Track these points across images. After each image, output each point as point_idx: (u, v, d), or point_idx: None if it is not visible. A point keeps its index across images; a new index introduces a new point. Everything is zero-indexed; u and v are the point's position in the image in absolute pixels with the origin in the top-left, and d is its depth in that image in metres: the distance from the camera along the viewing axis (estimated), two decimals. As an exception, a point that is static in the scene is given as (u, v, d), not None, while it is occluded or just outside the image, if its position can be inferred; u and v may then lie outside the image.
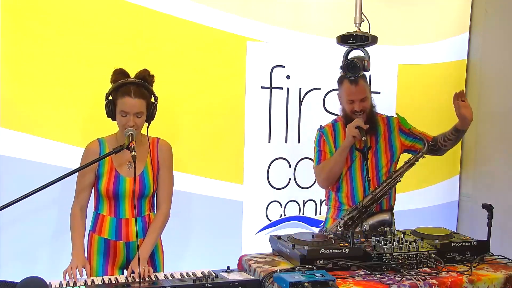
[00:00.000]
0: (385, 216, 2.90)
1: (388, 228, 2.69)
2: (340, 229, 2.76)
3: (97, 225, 2.53)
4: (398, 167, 2.99)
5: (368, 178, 2.92)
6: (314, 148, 3.07)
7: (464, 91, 2.84)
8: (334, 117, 3.84)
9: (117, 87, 2.42)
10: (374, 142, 2.98)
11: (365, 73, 2.79)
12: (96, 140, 2.53)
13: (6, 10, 2.98)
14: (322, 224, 2.99)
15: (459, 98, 2.87)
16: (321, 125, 3.13)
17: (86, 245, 2.54)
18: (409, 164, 2.93)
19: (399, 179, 2.95)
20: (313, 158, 3.09)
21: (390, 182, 2.91)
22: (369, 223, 2.81)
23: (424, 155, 2.94)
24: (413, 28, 4.20)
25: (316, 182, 3.12)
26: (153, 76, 2.51)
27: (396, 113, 2.98)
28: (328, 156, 2.99)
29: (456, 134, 2.98)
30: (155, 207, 2.63)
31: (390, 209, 2.99)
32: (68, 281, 2.21)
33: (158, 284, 2.12)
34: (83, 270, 2.36)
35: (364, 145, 2.88)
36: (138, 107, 2.41)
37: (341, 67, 2.74)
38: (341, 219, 2.86)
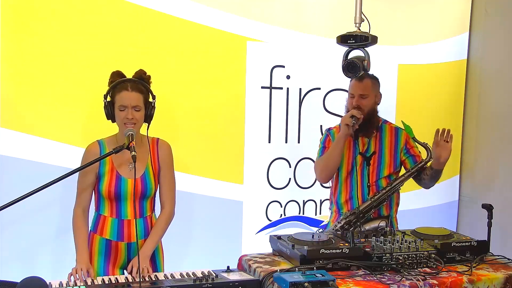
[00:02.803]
0: (381, 223, 2.88)
1: (388, 228, 2.69)
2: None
3: (99, 226, 2.53)
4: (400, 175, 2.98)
5: (368, 184, 2.92)
6: (319, 146, 3.07)
7: (450, 132, 2.75)
8: (334, 117, 3.86)
9: (114, 85, 2.45)
10: (378, 148, 2.96)
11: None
12: (96, 142, 2.54)
13: (6, 10, 2.98)
14: (322, 225, 2.98)
15: (443, 136, 2.74)
16: (330, 127, 3.11)
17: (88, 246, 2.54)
18: (411, 173, 2.92)
19: (399, 187, 2.94)
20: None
21: (390, 189, 2.89)
22: (366, 228, 2.81)
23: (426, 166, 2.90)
24: (413, 28, 4.20)
25: (316, 178, 3.13)
26: (149, 76, 2.53)
27: (402, 121, 2.94)
28: None
29: (431, 171, 2.89)
30: (156, 208, 2.63)
31: (387, 217, 2.96)
32: (68, 282, 2.21)
33: (158, 284, 2.12)
34: (87, 273, 2.35)
35: (354, 132, 2.83)
36: (135, 100, 2.42)
37: (342, 67, 2.74)
38: (338, 222, 2.87)
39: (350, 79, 2.83)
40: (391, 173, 2.96)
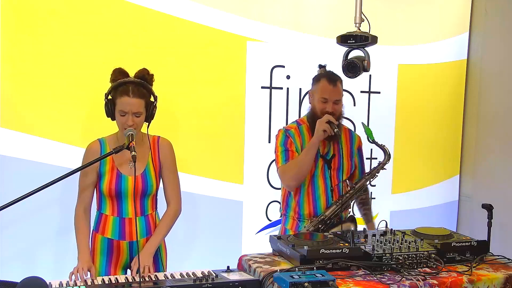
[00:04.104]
0: (350, 226, 2.86)
1: (388, 228, 2.69)
2: None
3: (100, 225, 2.53)
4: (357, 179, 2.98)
5: (331, 188, 2.89)
6: (278, 148, 2.90)
7: None
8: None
9: (116, 86, 2.42)
10: (337, 150, 2.93)
11: (364, 73, 2.76)
12: (97, 140, 2.54)
13: (6, 10, 2.98)
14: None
15: None
16: (284, 127, 2.98)
17: (89, 245, 2.54)
18: (371, 175, 2.91)
19: (362, 190, 2.94)
20: (276, 159, 2.91)
21: (353, 193, 2.88)
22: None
23: (385, 167, 2.92)
24: (413, 28, 4.20)
25: (282, 183, 2.94)
26: (152, 75, 2.51)
27: (362, 123, 2.91)
28: (296, 155, 2.85)
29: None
30: (158, 206, 2.64)
31: (353, 219, 2.94)
32: (68, 281, 2.21)
33: (158, 284, 2.12)
34: (89, 272, 2.35)
35: (336, 139, 2.81)
36: (136, 107, 2.41)
37: (342, 67, 2.74)
38: (307, 229, 2.82)
39: (352, 77, 2.76)
40: (348, 176, 2.95)
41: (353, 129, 3.01)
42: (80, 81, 3.16)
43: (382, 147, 2.91)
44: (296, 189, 2.90)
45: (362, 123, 2.92)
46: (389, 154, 2.91)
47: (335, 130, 2.73)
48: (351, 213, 3.00)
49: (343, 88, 2.90)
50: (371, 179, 2.94)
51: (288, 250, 2.36)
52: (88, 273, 2.35)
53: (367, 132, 2.87)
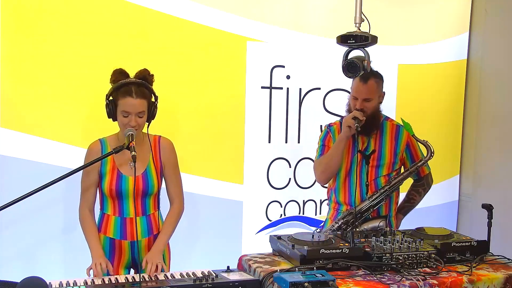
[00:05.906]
0: (380, 223, 2.85)
1: (387, 228, 2.69)
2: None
3: (103, 225, 2.54)
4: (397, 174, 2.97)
5: (367, 183, 2.89)
6: (318, 143, 3.04)
7: None
8: (335, 117, 3.86)
9: (118, 87, 2.42)
10: (378, 146, 2.94)
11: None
12: (98, 141, 2.54)
13: (6, 10, 2.98)
14: (322, 224, 2.97)
15: None
16: (329, 123, 3.09)
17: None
18: (409, 172, 2.91)
19: (398, 186, 2.92)
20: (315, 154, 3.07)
21: (389, 189, 2.87)
22: (364, 228, 2.79)
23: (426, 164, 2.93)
24: (413, 28, 4.20)
25: (315, 177, 3.10)
26: (152, 75, 2.52)
27: (401, 118, 2.91)
28: None
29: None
30: (161, 205, 2.64)
31: (386, 216, 2.93)
32: (68, 281, 2.21)
33: (158, 284, 2.12)
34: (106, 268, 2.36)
35: (357, 133, 2.82)
36: (140, 107, 2.41)
37: (342, 67, 2.74)
38: (336, 222, 2.86)
39: (352, 77, 2.78)
40: (390, 172, 2.94)
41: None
42: (80, 81, 3.16)
43: (424, 143, 2.89)
44: (334, 183, 2.99)
45: (401, 118, 2.91)
46: (433, 151, 2.86)
47: (355, 125, 2.76)
48: (391, 211, 2.99)
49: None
50: (410, 176, 2.94)
51: (288, 250, 2.36)
52: (106, 268, 2.34)
53: (407, 127, 2.87)
